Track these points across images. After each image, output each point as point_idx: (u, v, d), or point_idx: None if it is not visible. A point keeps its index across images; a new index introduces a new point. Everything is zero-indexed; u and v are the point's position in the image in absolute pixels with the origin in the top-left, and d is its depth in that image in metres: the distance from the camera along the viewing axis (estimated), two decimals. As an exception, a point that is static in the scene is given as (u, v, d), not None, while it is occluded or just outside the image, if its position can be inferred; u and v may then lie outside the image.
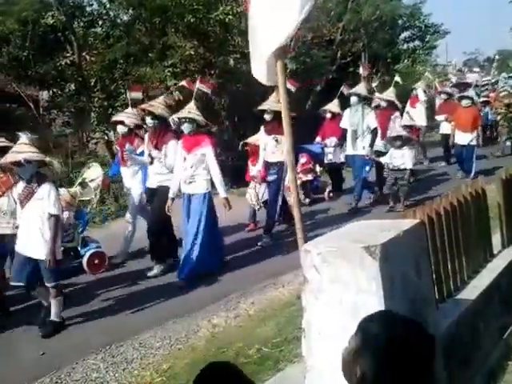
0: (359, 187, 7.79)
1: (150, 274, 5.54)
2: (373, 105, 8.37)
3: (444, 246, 3.02)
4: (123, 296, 5.08)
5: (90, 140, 10.76)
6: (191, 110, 5.48)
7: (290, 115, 3.15)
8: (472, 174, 8.93)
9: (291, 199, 6.79)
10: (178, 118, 5.57)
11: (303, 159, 8.49)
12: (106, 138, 10.15)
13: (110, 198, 8.88)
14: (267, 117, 6.51)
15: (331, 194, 8.57)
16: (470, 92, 10.09)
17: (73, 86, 10.32)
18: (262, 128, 6.67)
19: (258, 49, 3.08)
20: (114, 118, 6.85)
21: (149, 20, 10.20)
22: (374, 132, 7.67)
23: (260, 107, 6.64)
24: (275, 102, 6.39)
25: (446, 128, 10.19)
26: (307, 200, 8.32)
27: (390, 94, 8.53)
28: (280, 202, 6.63)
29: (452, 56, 29.32)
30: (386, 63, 16.80)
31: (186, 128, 5.41)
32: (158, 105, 5.72)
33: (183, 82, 6.89)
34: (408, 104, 10.78)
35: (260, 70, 3.13)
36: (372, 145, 7.65)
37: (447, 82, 14.40)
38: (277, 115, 6.27)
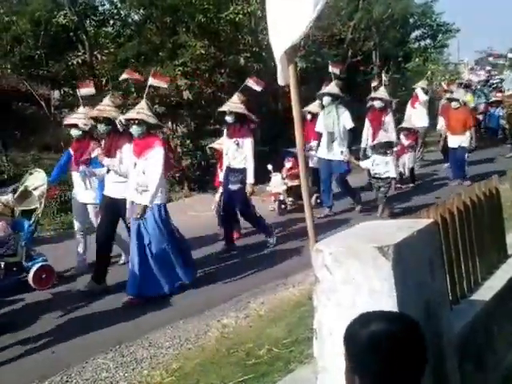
0: (351, 194, 7.50)
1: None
2: (376, 105, 7.99)
3: (457, 246, 2.97)
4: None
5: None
6: (140, 110, 4.93)
7: (303, 117, 3.12)
8: (466, 177, 8.63)
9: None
10: (126, 120, 5.03)
11: (289, 163, 7.98)
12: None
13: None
14: (228, 119, 6.08)
15: (318, 200, 7.96)
16: (460, 92, 9.57)
17: (84, 86, 10.37)
18: (225, 131, 6.33)
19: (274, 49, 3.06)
20: (66, 122, 6.14)
21: (160, 19, 10.24)
22: (350, 133, 7.31)
23: (220, 109, 6.25)
24: (237, 103, 6.07)
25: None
26: (294, 206, 7.84)
27: (381, 92, 8.19)
28: (254, 207, 6.31)
29: (464, 54, 29.04)
30: (397, 62, 16.71)
31: (134, 131, 4.88)
32: (109, 108, 5.14)
33: (124, 75, 6.02)
34: (409, 104, 10.44)
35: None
36: (350, 147, 7.30)
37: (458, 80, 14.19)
38: (238, 117, 6.00)
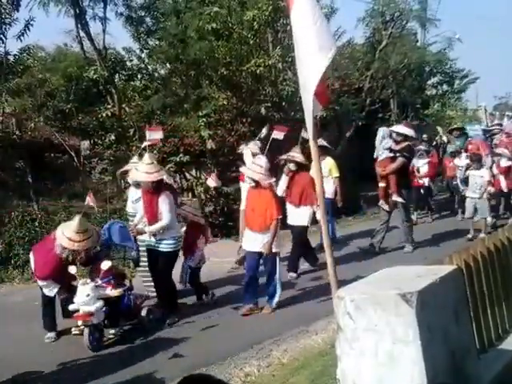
0: None
1: None
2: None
3: (483, 292, 2.94)
4: (151, 342, 5.06)
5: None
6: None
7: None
8: (273, 303, 5.47)
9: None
10: None
11: (106, 265, 4.96)
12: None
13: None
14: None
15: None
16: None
17: (113, 136, 10.82)
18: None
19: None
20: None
21: (184, 73, 10.71)
22: None
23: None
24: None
25: None
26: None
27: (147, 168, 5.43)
28: None
29: (482, 100, 29.11)
30: (415, 108, 16.92)
31: None
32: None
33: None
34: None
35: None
36: None
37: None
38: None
